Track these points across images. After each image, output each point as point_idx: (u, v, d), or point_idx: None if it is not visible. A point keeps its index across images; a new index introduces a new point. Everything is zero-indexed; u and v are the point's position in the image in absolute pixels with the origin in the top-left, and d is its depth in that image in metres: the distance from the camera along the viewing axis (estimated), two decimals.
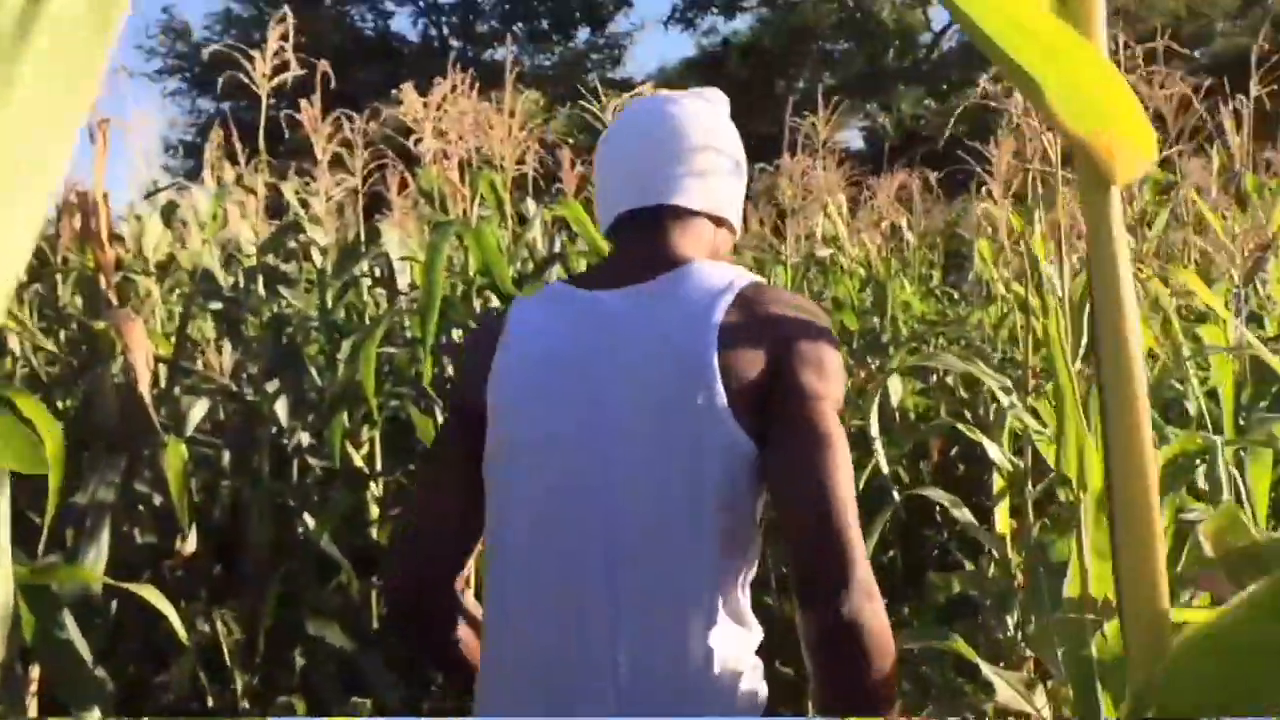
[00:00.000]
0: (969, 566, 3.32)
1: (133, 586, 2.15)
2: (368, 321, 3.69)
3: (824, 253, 5.17)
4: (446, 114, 3.60)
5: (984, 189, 5.32)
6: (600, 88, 5.45)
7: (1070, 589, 1.91)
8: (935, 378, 5.81)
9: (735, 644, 1.27)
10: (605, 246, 3.13)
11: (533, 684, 1.28)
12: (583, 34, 26.86)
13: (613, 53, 26.93)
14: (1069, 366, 1.75)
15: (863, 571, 1.18)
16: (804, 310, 1.34)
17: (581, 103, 5.50)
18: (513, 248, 3.54)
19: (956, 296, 6.93)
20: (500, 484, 1.35)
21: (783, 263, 5.25)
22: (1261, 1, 20.61)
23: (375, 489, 3.53)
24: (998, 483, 2.81)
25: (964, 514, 2.88)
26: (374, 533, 3.50)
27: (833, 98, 6.14)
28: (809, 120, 6.07)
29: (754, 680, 1.29)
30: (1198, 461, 2.01)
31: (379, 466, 3.56)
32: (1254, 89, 4.32)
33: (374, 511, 3.55)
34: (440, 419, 3.52)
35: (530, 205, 5.37)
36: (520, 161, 3.77)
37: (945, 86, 20.89)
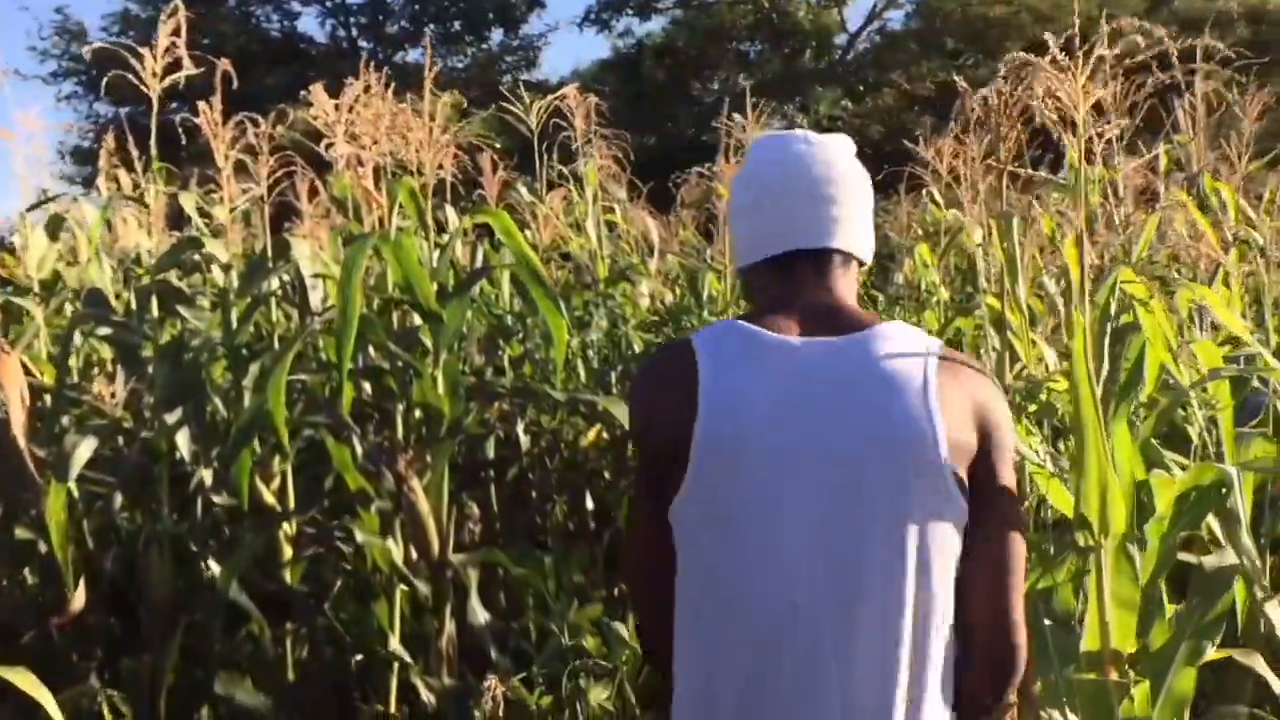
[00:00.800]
0: None
1: (2, 670, 1.84)
2: (277, 344, 3.37)
3: None
4: (360, 117, 3.31)
5: (924, 191, 5.15)
6: (520, 90, 5.23)
7: (1088, 642, 1.70)
8: None
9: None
10: (534, 259, 2.82)
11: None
12: (496, 35, 26.42)
13: (527, 54, 26.50)
14: (1094, 396, 1.53)
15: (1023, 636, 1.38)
16: (997, 385, 1.47)
17: (502, 103, 5.26)
18: (435, 260, 3.25)
19: (883, 301, 6.78)
20: (715, 526, 1.39)
21: (717, 270, 5.03)
22: (1168, 2, 21.01)
23: (288, 528, 3.22)
24: None
25: None
26: (287, 576, 3.19)
27: (750, 99, 5.91)
28: (736, 123, 5.82)
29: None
30: (1220, 491, 1.81)
31: (291, 504, 3.25)
32: (1200, 86, 4.23)
33: (287, 553, 3.24)
34: (359, 448, 3.22)
35: (450, 214, 5.10)
36: (439, 167, 3.50)
37: (862, 87, 20.93)
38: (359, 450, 3.19)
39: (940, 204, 4.98)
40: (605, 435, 4.29)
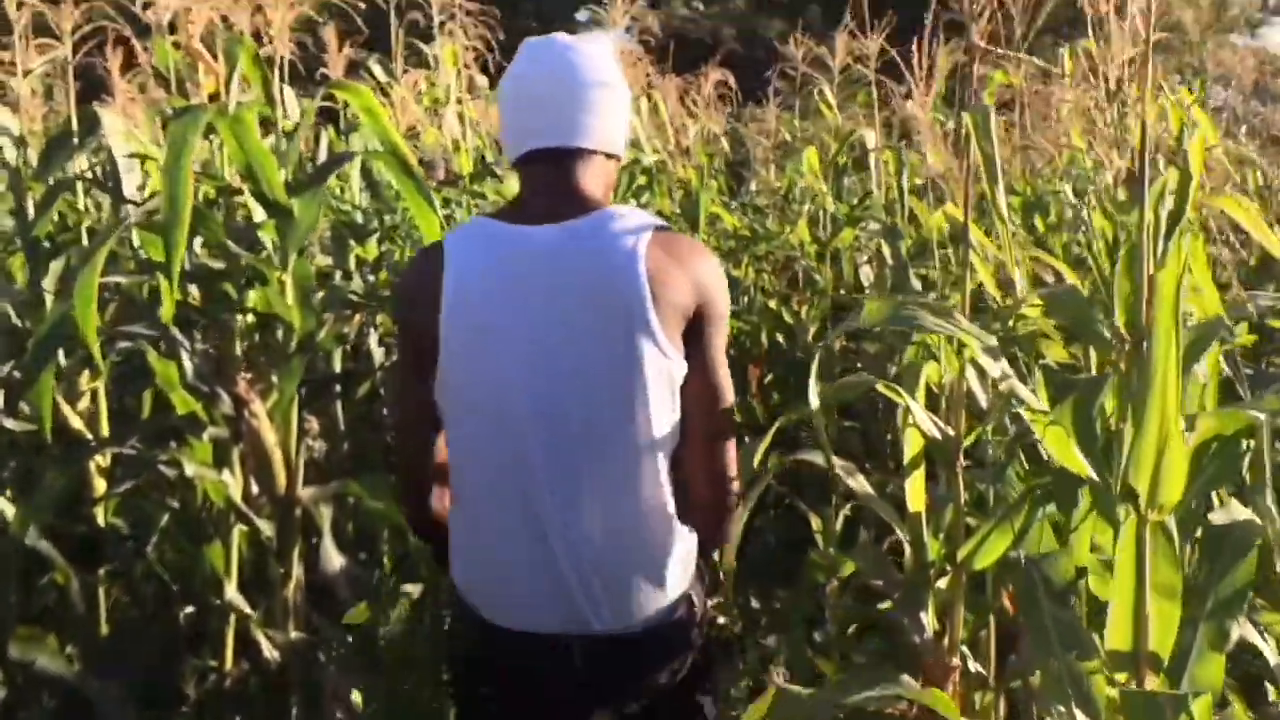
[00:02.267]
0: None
1: None
2: (85, 238, 2.80)
3: (648, 159, 4.52)
4: None
5: (815, 92, 4.80)
6: None
7: (1114, 638, 1.40)
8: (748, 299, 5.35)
9: (663, 507, 1.61)
10: (401, 144, 2.71)
11: (489, 551, 1.63)
12: None
13: None
14: (1178, 344, 1.20)
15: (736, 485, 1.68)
16: (703, 252, 1.65)
17: None
18: (284, 144, 2.73)
19: (735, 208, 6.47)
20: (456, 408, 1.63)
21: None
22: None
23: (100, 459, 2.70)
24: (911, 449, 2.30)
25: (860, 484, 2.37)
26: (100, 516, 2.68)
27: None
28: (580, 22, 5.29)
29: (684, 535, 1.64)
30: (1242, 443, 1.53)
31: (105, 430, 2.73)
32: None
33: (99, 487, 2.73)
34: (186, 362, 2.72)
35: (288, 95, 4.49)
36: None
37: None
38: (188, 367, 2.69)
39: (832, 105, 4.64)
40: None
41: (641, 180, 4.58)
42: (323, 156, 4.33)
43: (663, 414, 1.57)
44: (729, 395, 1.63)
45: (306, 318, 2.65)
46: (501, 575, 1.61)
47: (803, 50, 6.52)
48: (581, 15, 25.56)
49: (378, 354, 3.80)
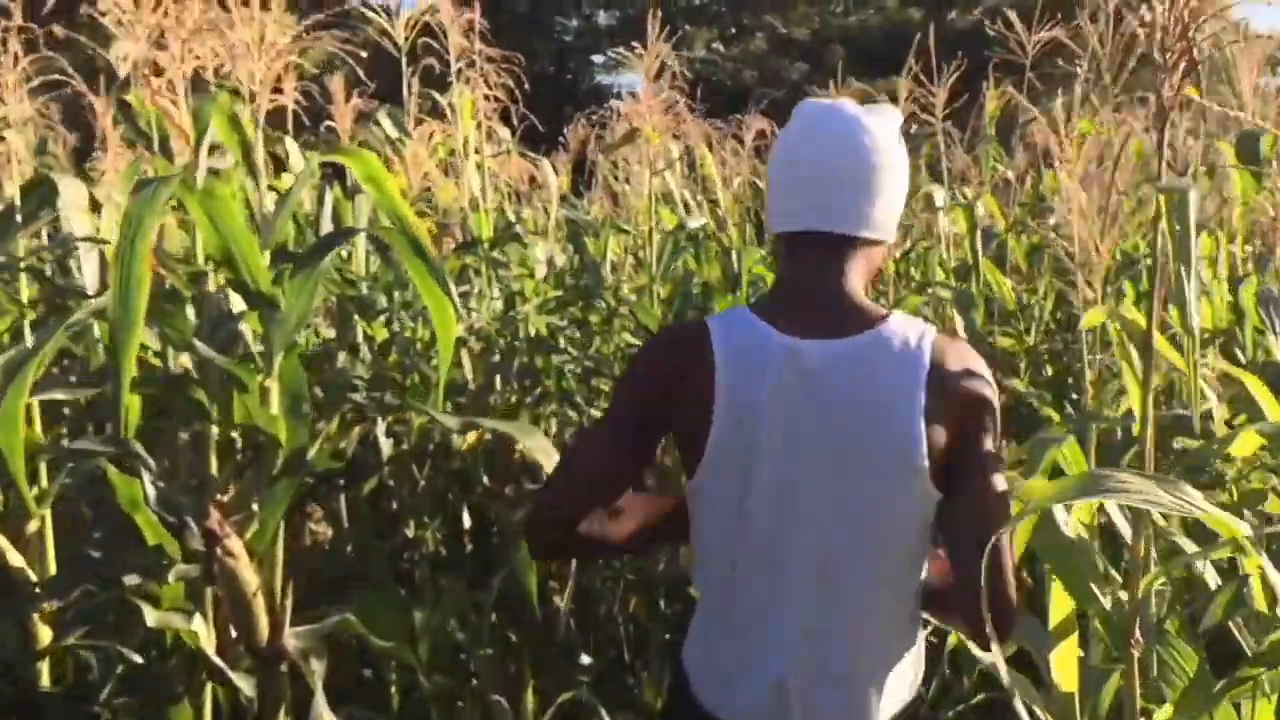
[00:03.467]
0: None
1: None
2: (28, 337, 2.33)
3: (694, 224, 4.05)
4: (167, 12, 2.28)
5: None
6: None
7: None
8: None
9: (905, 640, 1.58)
10: (412, 220, 2.28)
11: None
12: None
13: None
14: None
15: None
16: (982, 373, 1.52)
17: (359, 12, 4.22)
18: (267, 215, 2.26)
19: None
20: (711, 515, 1.57)
21: (623, 230, 4.13)
22: None
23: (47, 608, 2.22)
24: (1059, 609, 1.81)
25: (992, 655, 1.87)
26: (43, 673, 2.19)
27: (614, 38, 5.00)
28: (598, 64, 4.85)
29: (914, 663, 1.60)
30: None
31: (51, 568, 2.24)
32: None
33: (44, 636, 2.24)
34: (149, 486, 2.24)
35: (291, 148, 4.04)
36: (277, 89, 2.53)
37: (734, 29, 20.11)
38: (149, 490, 2.21)
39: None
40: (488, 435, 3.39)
41: (685, 244, 4.10)
42: (327, 220, 3.88)
43: (919, 546, 1.55)
44: (1001, 500, 1.50)
45: (296, 431, 2.17)
46: (720, 666, 1.61)
47: (848, 93, 6.09)
48: (598, 58, 25.39)
49: (385, 446, 3.32)
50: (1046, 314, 4.44)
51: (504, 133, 4.50)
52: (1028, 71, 4.49)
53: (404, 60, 3.79)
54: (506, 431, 2.21)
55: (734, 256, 4.47)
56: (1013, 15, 4.46)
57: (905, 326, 1.50)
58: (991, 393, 1.51)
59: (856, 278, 1.53)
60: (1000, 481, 1.51)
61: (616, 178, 5.45)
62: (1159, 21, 1.55)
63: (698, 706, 1.59)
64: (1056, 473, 1.98)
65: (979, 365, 1.52)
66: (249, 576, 2.11)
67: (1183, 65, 1.65)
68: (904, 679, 1.58)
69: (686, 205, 4.82)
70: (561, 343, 3.41)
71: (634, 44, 4.72)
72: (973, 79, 4.64)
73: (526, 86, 3.74)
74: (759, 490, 1.50)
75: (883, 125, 1.54)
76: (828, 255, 1.52)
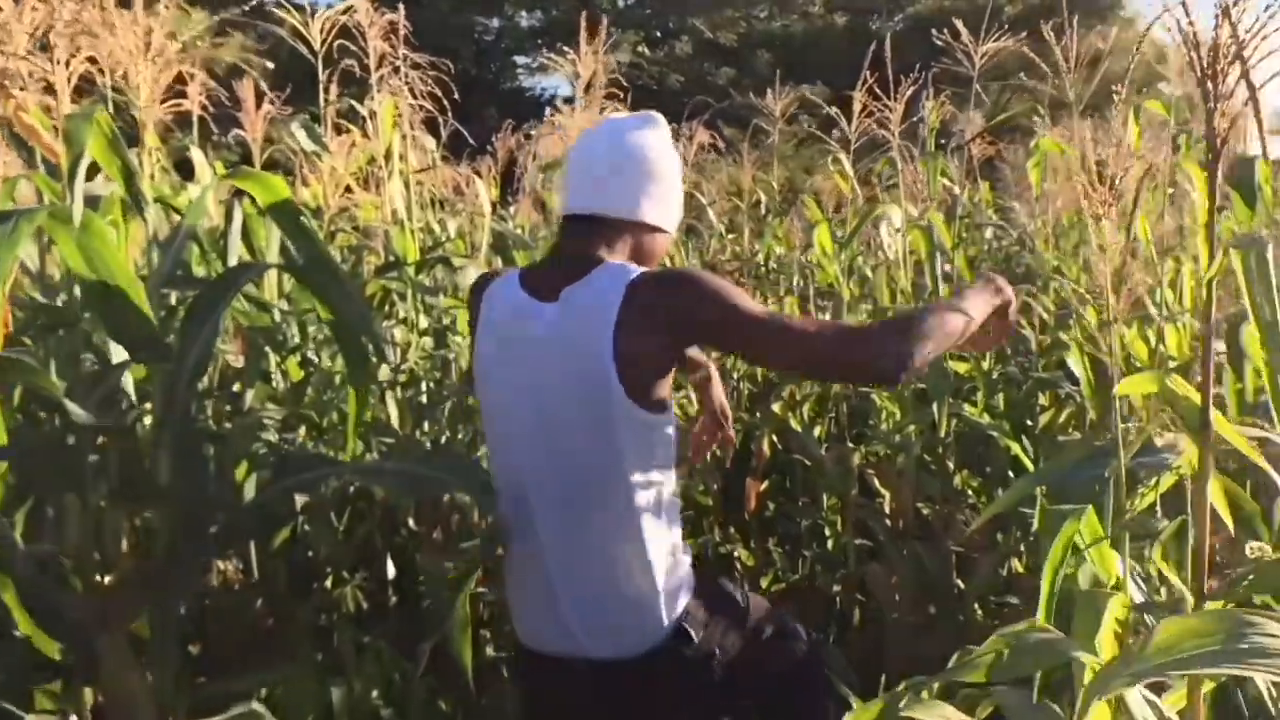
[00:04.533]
0: None
1: None
2: None
3: None
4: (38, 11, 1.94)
5: (830, 159, 4.09)
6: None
7: None
8: None
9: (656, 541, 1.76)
10: (329, 257, 2.20)
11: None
12: None
13: None
14: None
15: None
16: (671, 282, 1.71)
17: (272, 10, 3.86)
18: (155, 246, 1.93)
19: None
20: (485, 424, 1.90)
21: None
22: None
23: None
24: None
25: None
26: None
27: (537, 40, 4.72)
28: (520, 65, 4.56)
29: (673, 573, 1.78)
30: None
31: None
32: None
33: None
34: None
35: (197, 159, 3.68)
36: (178, 94, 2.20)
37: (659, 33, 19.86)
38: (20, 573, 1.86)
39: (849, 175, 3.94)
40: None
41: None
42: (235, 239, 3.52)
43: (644, 465, 1.72)
44: (799, 344, 1.65)
45: (192, 499, 1.85)
46: (518, 603, 1.85)
47: (784, 101, 5.84)
48: (521, 59, 24.93)
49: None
50: None
51: (429, 142, 4.18)
52: (974, 84, 4.32)
53: (319, 64, 3.45)
54: (435, 476, 1.91)
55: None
56: (960, 24, 4.28)
57: (627, 266, 1.73)
58: (691, 298, 1.66)
59: (602, 249, 1.77)
60: (785, 340, 1.65)
61: (546, 186, 5.15)
62: (1204, 39, 1.31)
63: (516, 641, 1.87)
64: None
65: (679, 280, 1.71)
66: (134, 686, 1.79)
67: (1237, 87, 1.42)
68: (654, 608, 1.74)
69: None
70: None
71: (564, 47, 4.44)
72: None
73: (456, 96, 3.42)
74: (493, 431, 1.84)
75: (633, 127, 1.84)
76: (578, 231, 1.81)
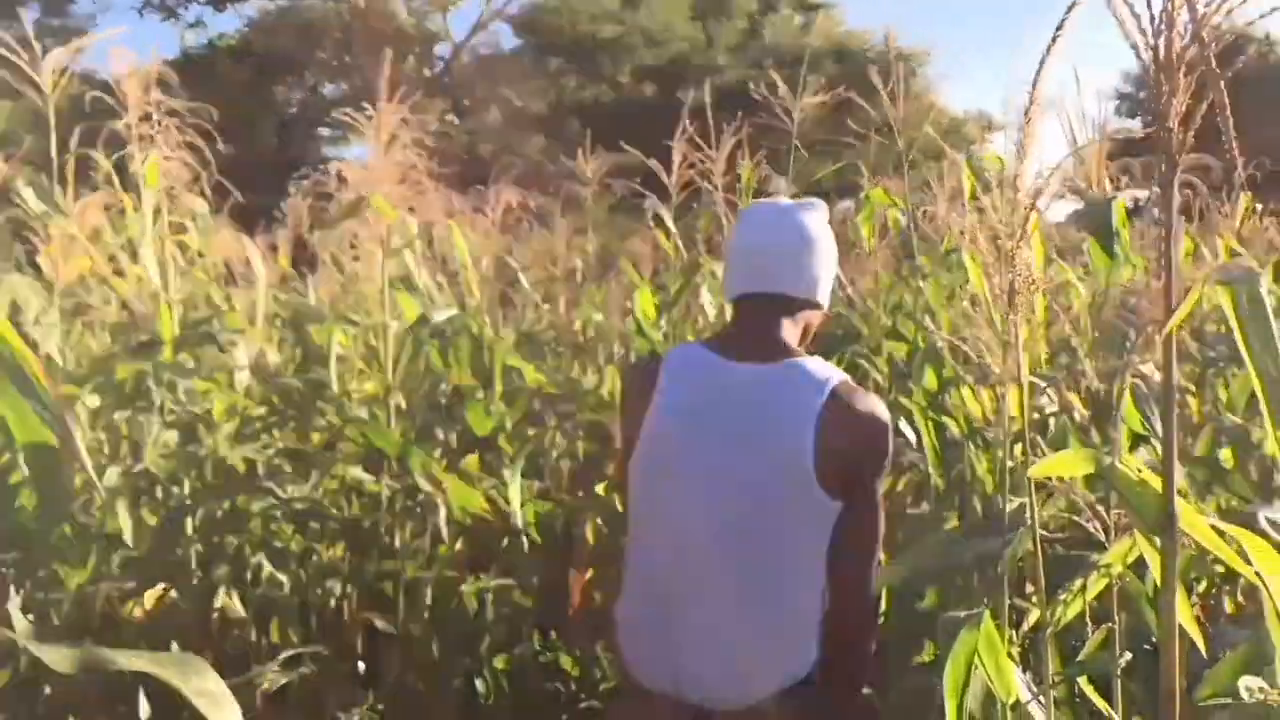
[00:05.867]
0: None
1: None
2: None
3: (441, 315, 3.32)
4: None
5: (651, 215, 3.78)
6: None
7: None
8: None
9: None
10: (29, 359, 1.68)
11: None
12: (32, 14, 22.36)
13: (72, 39, 22.58)
14: None
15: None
16: (879, 420, 1.83)
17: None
18: None
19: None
20: (643, 499, 1.92)
21: (352, 321, 3.37)
22: (759, 37, 21.39)
23: None
24: None
25: None
26: None
27: (342, 110, 4.37)
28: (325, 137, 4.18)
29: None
30: None
31: None
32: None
33: None
34: None
35: None
36: None
37: (468, 102, 19.49)
38: None
39: (671, 232, 3.63)
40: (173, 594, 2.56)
41: (428, 340, 3.36)
42: None
43: (811, 548, 1.82)
44: (871, 541, 1.82)
45: None
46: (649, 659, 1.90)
47: (595, 162, 5.57)
48: (324, 130, 24.12)
49: (20, 623, 2.42)
50: None
51: (198, 204, 3.68)
52: (794, 139, 4.15)
53: (51, 115, 2.94)
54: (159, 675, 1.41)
55: (485, 351, 3.81)
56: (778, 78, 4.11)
57: (820, 364, 1.87)
58: (883, 442, 1.83)
59: (784, 326, 1.90)
60: (869, 527, 1.82)
61: (355, 258, 4.69)
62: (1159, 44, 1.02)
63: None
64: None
65: (878, 412, 1.83)
66: None
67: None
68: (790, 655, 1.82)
69: (430, 293, 4.13)
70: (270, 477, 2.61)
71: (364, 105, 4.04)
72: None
73: (221, 146, 2.96)
74: (675, 480, 1.84)
75: (804, 212, 1.95)
76: (762, 308, 1.91)
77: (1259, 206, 4.67)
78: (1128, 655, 1.35)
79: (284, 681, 2.31)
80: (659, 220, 3.58)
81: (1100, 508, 1.31)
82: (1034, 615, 1.41)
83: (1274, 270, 3.40)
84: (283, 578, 2.65)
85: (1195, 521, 0.95)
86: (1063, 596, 1.28)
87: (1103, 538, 1.31)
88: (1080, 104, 2.76)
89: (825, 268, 1.95)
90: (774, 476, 1.78)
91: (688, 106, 3.57)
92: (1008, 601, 1.54)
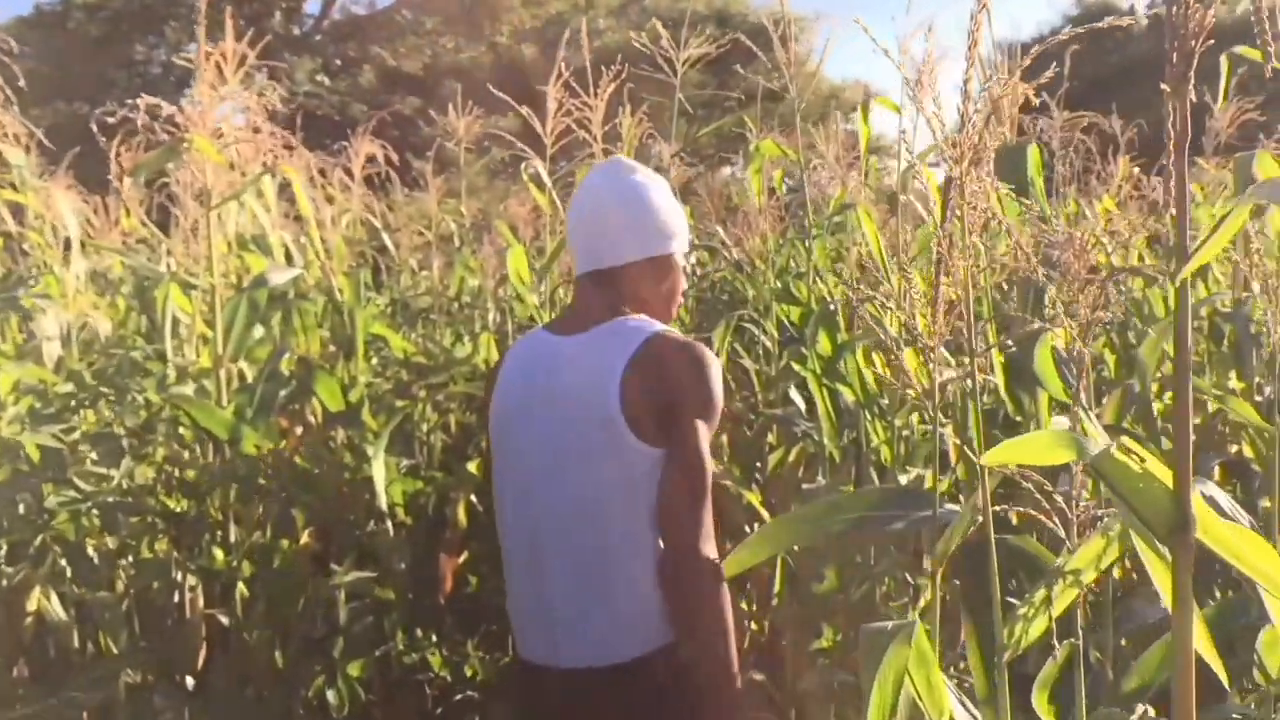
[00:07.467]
0: None
1: None
2: None
3: (282, 275, 2.97)
4: None
5: (526, 171, 3.47)
6: None
7: None
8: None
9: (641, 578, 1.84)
10: None
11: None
12: None
13: None
14: None
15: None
16: (690, 365, 1.84)
17: None
18: None
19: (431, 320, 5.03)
20: (495, 477, 2.00)
21: (191, 284, 3.01)
22: (638, 0, 20.98)
23: None
24: None
25: None
26: None
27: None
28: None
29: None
30: None
31: None
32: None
33: None
34: None
35: None
36: None
37: (339, 61, 18.71)
38: None
39: (546, 186, 3.34)
40: None
41: (268, 305, 3.01)
42: None
43: (637, 499, 1.81)
44: (695, 480, 1.80)
45: None
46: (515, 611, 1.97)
47: (469, 120, 5.26)
48: (190, 91, 22.88)
49: None
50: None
51: (15, 155, 3.27)
52: (677, 92, 3.91)
53: None
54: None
55: (347, 316, 3.48)
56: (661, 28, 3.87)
57: (643, 321, 1.90)
58: (701, 380, 1.83)
59: (609, 297, 1.94)
60: (693, 468, 1.79)
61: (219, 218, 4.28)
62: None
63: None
64: None
65: (695, 353, 1.85)
66: None
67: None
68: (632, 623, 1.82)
69: (288, 251, 3.77)
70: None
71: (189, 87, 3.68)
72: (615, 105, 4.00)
73: (21, 82, 2.58)
74: (516, 462, 1.92)
75: (601, 177, 2.00)
76: (583, 286, 1.98)
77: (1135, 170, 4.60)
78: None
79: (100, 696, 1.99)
80: (536, 179, 3.29)
81: (1059, 497, 1.09)
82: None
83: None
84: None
85: (1216, 528, 0.72)
86: (1021, 610, 1.05)
87: (1063, 534, 1.09)
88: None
89: (630, 226, 1.94)
90: (585, 432, 1.81)
91: (563, 59, 3.29)
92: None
